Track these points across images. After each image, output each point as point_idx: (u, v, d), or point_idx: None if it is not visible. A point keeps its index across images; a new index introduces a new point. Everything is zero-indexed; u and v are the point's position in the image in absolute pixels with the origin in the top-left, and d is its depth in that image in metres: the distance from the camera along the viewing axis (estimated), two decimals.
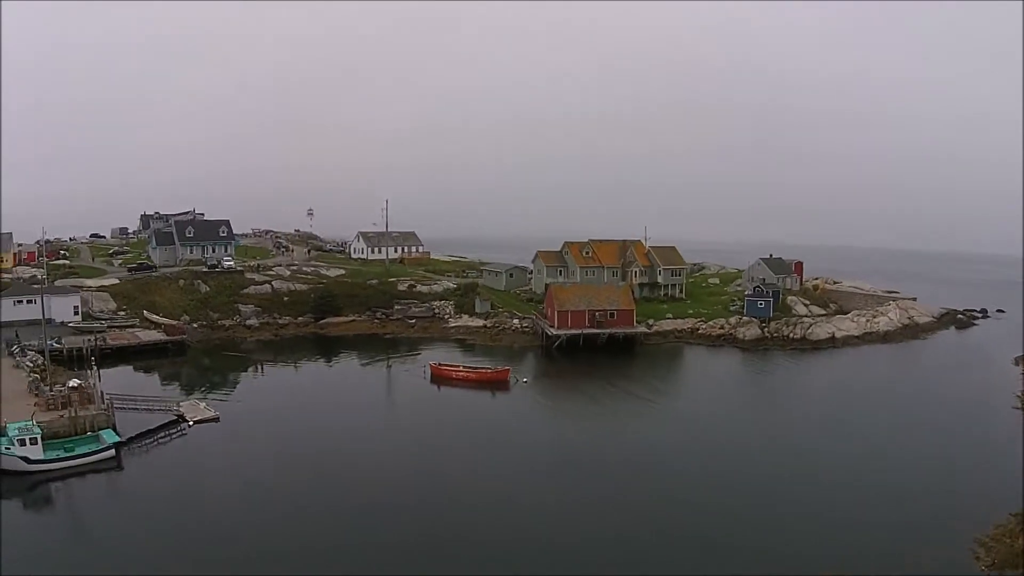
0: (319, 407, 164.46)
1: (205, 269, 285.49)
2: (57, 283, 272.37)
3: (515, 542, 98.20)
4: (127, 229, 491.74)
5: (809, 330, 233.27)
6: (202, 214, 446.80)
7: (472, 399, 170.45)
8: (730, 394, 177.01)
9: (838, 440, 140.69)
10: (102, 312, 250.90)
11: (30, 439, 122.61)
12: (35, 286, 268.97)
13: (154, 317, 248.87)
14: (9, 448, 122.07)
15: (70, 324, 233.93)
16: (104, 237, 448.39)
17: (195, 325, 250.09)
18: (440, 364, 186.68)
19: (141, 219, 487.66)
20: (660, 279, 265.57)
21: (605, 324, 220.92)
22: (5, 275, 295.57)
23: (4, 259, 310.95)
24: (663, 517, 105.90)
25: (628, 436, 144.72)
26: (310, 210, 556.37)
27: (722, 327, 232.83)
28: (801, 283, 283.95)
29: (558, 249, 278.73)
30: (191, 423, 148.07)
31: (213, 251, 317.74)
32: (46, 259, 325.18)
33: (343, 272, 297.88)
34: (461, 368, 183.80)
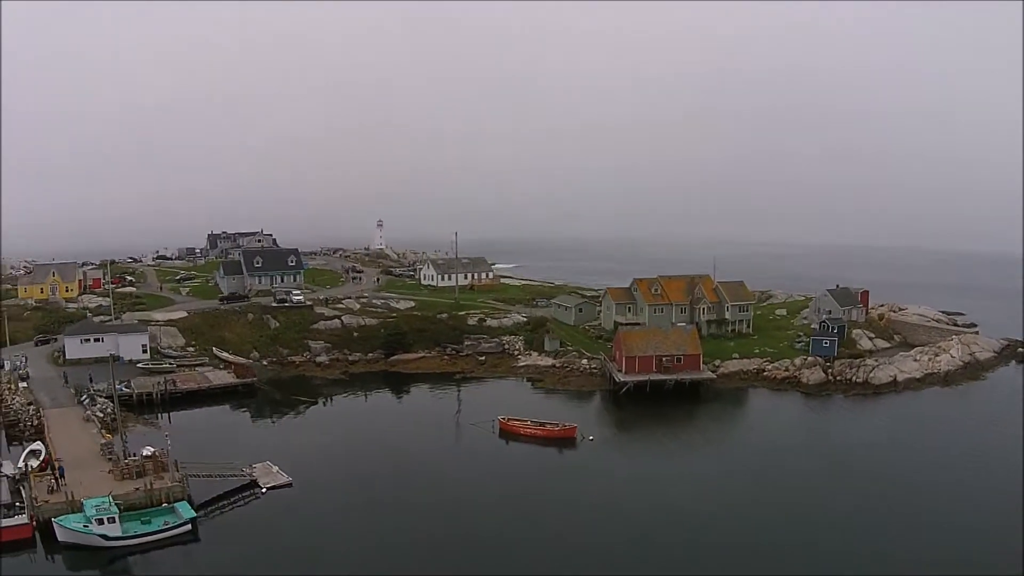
0: (390, 464, 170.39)
1: (274, 304, 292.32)
2: (124, 316, 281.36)
3: None
4: (194, 250, 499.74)
5: (871, 373, 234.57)
6: (270, 235, 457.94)
7: (539, 456, 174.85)
8: (789, 452, 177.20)
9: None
10: (170, 348, 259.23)
11: (108, 518, 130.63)
12: (103, 318, 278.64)
13: (224, 355, 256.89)
14: (87, 526, 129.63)
15: (139, 364, 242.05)
16: (170, 259, 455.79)
17: (264, 362, 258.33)
18: (509, 419, 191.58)
19: (208, 238, 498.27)
20: (728, 315, 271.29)
21: (672, 369, 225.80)
22: (70, 304, 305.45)
23: (69, 288, 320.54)
24: None
25: (692, 502, 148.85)
26: (380, 221, 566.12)
27: (787, 369, 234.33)
28: (866, 313, 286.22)
29: (627, 286, 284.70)
30: (264, 489, 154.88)
31: (282, 280, 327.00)
32: (112, 286, 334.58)
33: (413, 304, 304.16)
34: (529, 423, 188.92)
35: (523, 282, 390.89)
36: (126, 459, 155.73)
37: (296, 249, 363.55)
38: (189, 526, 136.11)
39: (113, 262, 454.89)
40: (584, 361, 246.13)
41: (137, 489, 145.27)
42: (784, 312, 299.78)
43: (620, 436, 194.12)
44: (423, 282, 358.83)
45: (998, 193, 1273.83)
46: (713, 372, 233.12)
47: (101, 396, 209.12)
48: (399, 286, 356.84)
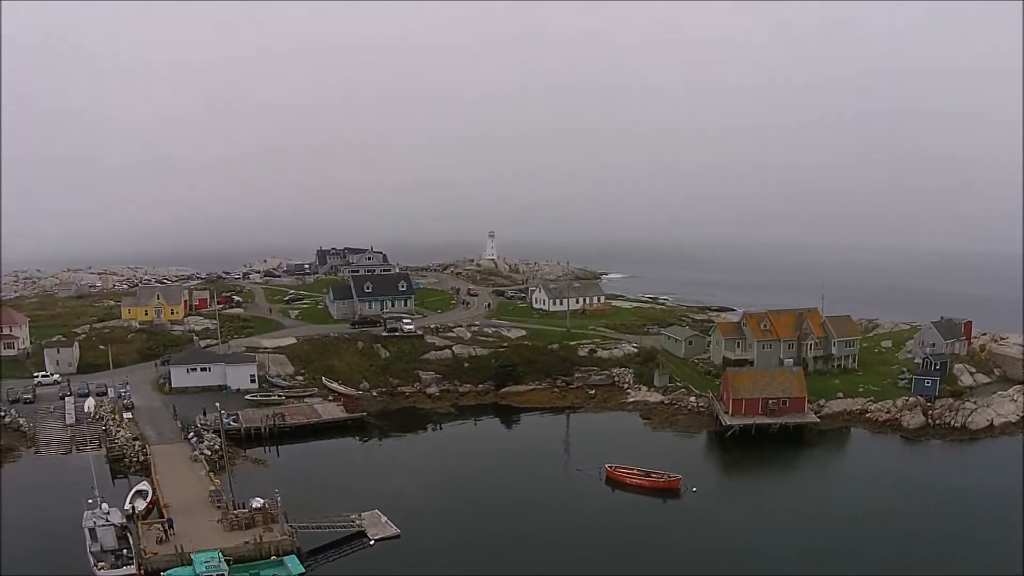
0: (496, 512, 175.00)
1: (385, 333, 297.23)
2: (232, 343, 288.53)
3: None
4: (302, 266, 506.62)
5: (969, 418, 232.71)
6: (381, 252, 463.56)
7: (643, 506, 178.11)
8: (885, 509, 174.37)
9: None
10: (279, 377, 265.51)
11: (218, 575, 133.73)
12: (209, 343, 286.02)
13: (333, 385, 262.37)
14: None
15: (247, 396, 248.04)
16: (279, 276, 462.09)
17: (374, 393, 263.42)
18: (616, 467, 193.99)
19: (317, 254, 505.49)
20: (834, 350, 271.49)
21: (777, 412, 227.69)
22: (176, 327, 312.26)
23: (175, 310, 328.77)
24: None
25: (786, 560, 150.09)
26: (491, 232, 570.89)
27: (888, 411, 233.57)
28: (968, 345, 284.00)
29: (737, 320, 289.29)
30: (372, 541, 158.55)
31: (392, 305, 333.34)
32: (219, 306, 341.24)
33: (524, 333, 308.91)
34: (635, 472, 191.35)
35: (634, 304, 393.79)
36: (235, 509, 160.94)
37: (407, 273, 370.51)
38: None
39: (220, 278, 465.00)
40: (692, 398, 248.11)
41: (247, 542, 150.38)
42: (889, 344, 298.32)
43: (723, 485, 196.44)
44: (535, 305, 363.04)
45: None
46: (817, 413, 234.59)
47: (208, 431, 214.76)
48: (510, 310, 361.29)
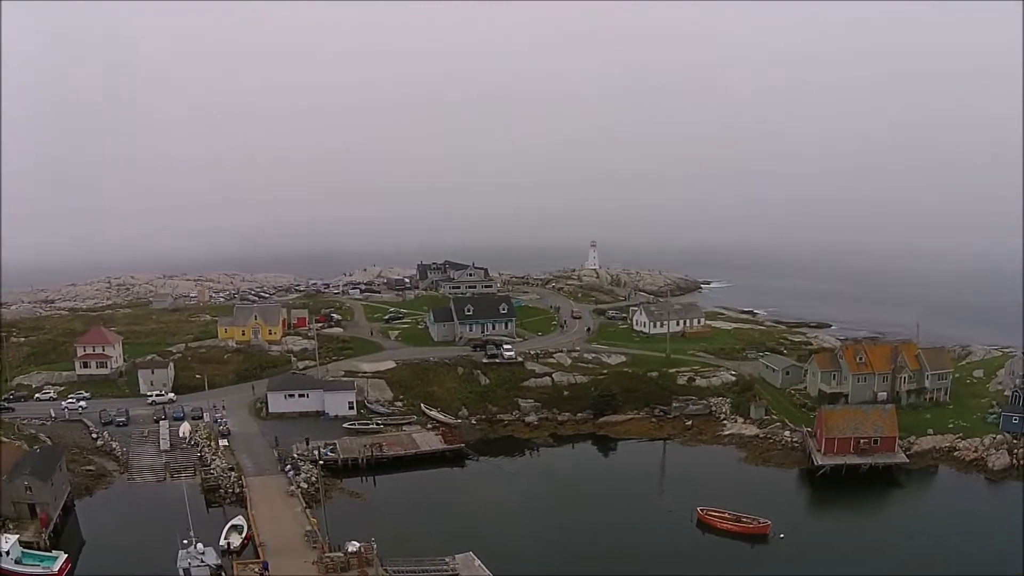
0: (588, 555, 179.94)
1: (485, 359, 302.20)
2: (330, 367, 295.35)
3: None
4: (403, 280, 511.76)
5: None
6: (482, 268, 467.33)
7: (732, 552, 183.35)
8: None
9: None
10: (378, 403, 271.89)
11: None
12: (307, 364, 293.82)
13: (432, 413, 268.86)
14: None
15: (345, 424, 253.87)
16: (378, 292, 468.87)
17: (473, 421, 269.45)
18: (707, 511, 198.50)
19: (418, 268, 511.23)
20: (927, 384, 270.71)
21: (868, 451, 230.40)
22: (274, 347, 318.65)
23: (272, 331, 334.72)
24: None
25: None
26: (593, 242, 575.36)
27: (975, 450, 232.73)
28: None
29: (834, 352, 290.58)
30: None
31: (493, 328, 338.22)
32: (317, 324, 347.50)
33: (624, 359, 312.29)
34: (727, 515, 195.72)
35: (733, 326, 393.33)
36: (331, 552, 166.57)
37: (508, 295, 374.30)
38: None
39: (318, 292, 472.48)
40: (787, 433, 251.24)
41: None
42: (981, 373, 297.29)
43: (810, 530, 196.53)
44: (635, 327, 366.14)
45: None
46: (907, 451, 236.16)
47: (305, 462, 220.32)
48: (611, 333, 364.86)
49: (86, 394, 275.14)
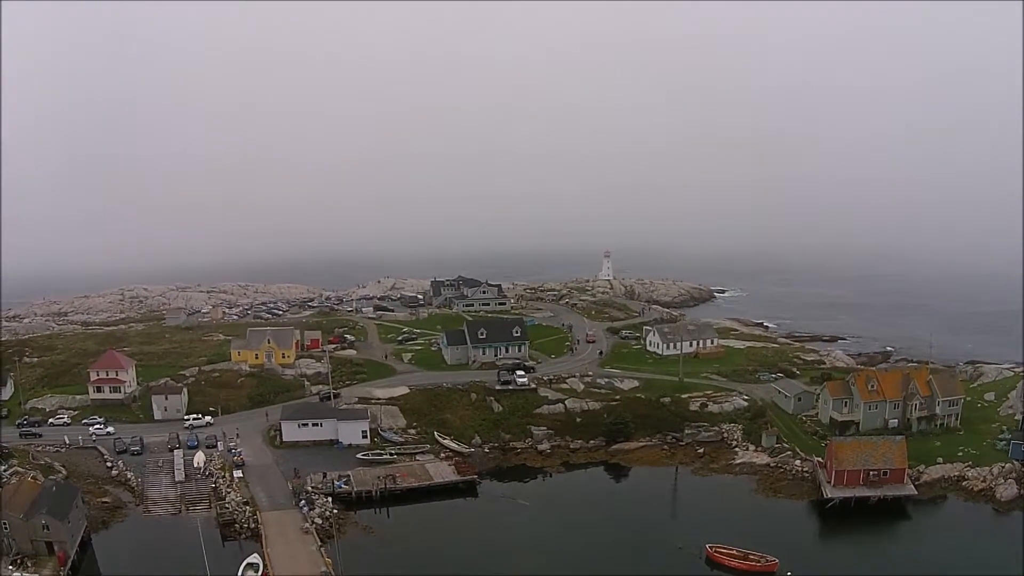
0: None
1: (498, 386, 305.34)
2: (343, 392, 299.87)
3: None
4: (416, 297, 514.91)
5: None
6: (496, 285, 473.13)
7: None
8: None
9: None
10: (391, 431, 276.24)
11: None
12: (321, 389, 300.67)
13: (445, 441, 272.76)
14: None
15: (359, 454, 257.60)
16: (392, 310, 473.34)
17: (486, 449, 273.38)
18: (716, 548, 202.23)
19: (432, 285, 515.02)
20: (938, 410, 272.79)
21: (877, 483, 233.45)
22: (287, 371, 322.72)
23: (285, 354, 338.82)
24: None
25: None
26: (607, 252, 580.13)
27: (984, 479, 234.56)
28: None
29: (846, 378, 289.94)
30: None
31: (506, 351, 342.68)
32: (331, 346, 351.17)
33: (637, 384, 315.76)
34: (735, 553, 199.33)
35: (747, 344, 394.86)
36: None
37: (520, 318, 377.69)
38: None
39: (332, 309, 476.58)
40: (797, 462, 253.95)
41: None
42: (992, 396, 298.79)
43: (818, 568, 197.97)
44: (648, 348, 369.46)
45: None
46: (916, 481, 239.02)
47: (319, 495, 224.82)
48: (624, 354, 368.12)
49: (100, 419, 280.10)
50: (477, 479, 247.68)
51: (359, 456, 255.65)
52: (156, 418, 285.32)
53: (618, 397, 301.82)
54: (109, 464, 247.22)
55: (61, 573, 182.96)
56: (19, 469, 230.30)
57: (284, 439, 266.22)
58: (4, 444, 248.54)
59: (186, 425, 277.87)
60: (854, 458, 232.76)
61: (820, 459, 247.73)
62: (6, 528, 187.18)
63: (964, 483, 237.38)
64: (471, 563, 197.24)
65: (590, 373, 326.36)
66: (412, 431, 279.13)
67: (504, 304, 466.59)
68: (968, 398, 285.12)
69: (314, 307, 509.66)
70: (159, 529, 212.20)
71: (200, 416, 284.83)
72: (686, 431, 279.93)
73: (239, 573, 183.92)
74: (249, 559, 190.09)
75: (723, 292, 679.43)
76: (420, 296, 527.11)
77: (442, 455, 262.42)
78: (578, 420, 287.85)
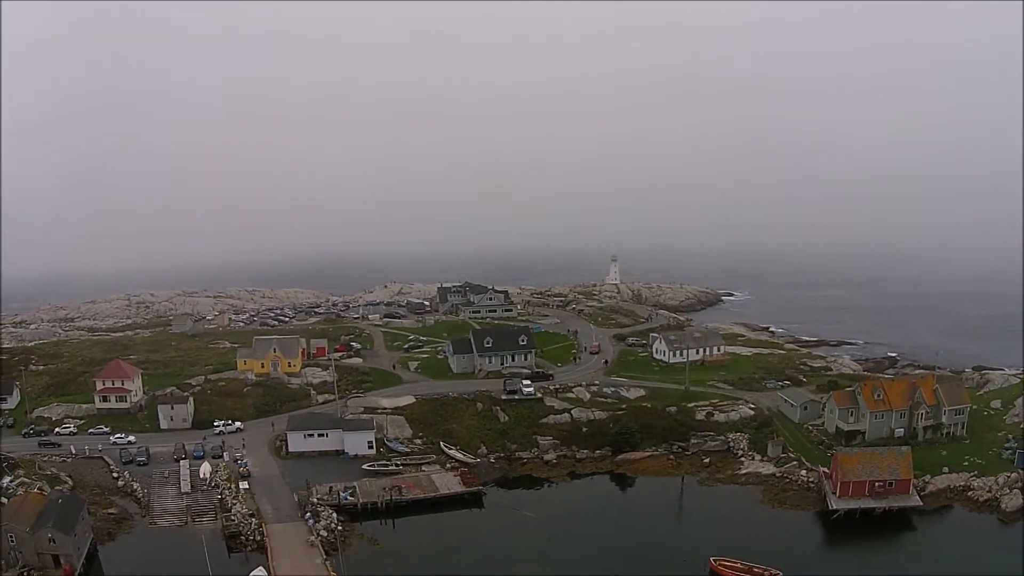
0: None
1: (504, 396, 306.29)
2: (350, 402, 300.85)
3: None
4: (424, 305, 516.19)
5: None
6: (503, 291, 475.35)
7: None
8: None
9: None
10: (397, 440, 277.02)
11: None
12: (327, 398, 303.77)
13: (451, 452, 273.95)
14: None
15: (364, 464, 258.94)
16: (399, 318, 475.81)
17: (492, 459, 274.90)
18: (719, 561, 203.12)
19: (438, 292, 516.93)
20: (944, 419, 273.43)
21: (883, 494, 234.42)
22: (294, 380, 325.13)
23: (292, 363, 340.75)
24: None
25: None
26: (614, 256, 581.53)
27: (989, 490, 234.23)
28: None
29: (851, 388, 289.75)
30: None
31: (512, 360, 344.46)
32: (337, 354, 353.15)
33: (643, 393, 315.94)
34: (739, 565, 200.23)
35: (753, 351, 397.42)
36: None
37: (527, 327, 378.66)
38: None
39: (338, 316, 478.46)
40: (803, 472, 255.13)
41: None
42: (999, 404, 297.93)
43: None
44: (655, 356, 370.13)
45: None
46: (921, 491, 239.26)
47: (325, 507, 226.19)
48: (630, 362, 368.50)
49: (106, 428, 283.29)
50: (483, 490, 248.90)
51: (365, 467, 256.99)
52: (162, 427, 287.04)
53: (624, 406, 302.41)
54: (115, 475, 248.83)
55: None
56: (25, 480, 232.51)
57: (290, 450, 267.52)
58: (10, 455, 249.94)
59: (216, 431, 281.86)
60: (859, 469, 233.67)
61: (826, 469, 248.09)
62: (12, 541, 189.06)
63: (970, 493, 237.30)
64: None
65: (596, 382, 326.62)
66: (418, 441, 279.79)
67: (511, 310, 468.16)
68: (974, 406, 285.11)
69: (320, 313, 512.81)
70: (165, 541, 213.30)
71: (231, 422, 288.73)
72: (692, 440, 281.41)
73: None
74: (254, 572, 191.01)
75: (731, 296, 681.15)
76: (427, 303, 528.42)
77: (448, 465, 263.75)
78: (584, 430, 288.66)
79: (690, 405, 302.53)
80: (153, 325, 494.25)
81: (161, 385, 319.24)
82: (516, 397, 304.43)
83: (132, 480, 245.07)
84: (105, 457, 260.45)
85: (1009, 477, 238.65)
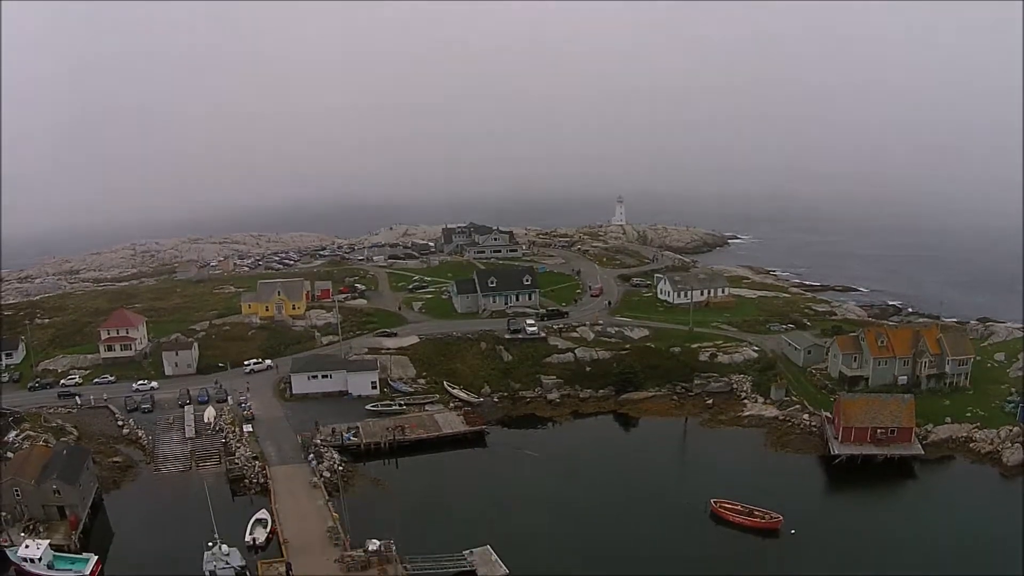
0: (601, 547, 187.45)
1: (508, 335, 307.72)
2: (354, 343, 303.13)
3: None
4: (428, 246, 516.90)
5: None
6: (508, 231, 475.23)
7: (742, 545, 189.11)
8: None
9: None
10: (401, 381, 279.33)
11: None
12: (331, 340, 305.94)
13: (455, 391, 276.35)
14: None
15: (368, 406, 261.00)
16: (403, 259, 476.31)
17: (495, 398, 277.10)
18: (720, 503, 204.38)
19: (443, 232, 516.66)
20: (948, 369, 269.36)
21: (884, 442, 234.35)
22: (298, 322, 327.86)
23: (296, 306, 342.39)
24: None
25: None
26: (620, 198, 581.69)
27: (991, 442, 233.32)
28: None
29: (855, 333, 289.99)
30: None
31: (516, 299, 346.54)
32: (341, 295, 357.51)
33: (647, 334, 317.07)
34: (739, 508, 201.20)
35: (758, 294, 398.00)
36: (352, 551, 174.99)
37: (531, 267, 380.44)
38: None
39: (343, 259, 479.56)
40: (806, 416, 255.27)
41: None
42: (1003, 357, 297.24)
43: (822, 525, 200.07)
44: (659, 296, 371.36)
45: None
46: (923, 440, 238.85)
47: (328, 448, 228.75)
48: (635, 302, 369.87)
49: (111, 377, 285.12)
50: (486, 430, 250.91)
51: (368, 407, 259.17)
52: (167, 374, 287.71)
53: (628, 346, 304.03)
54: (120, 423, 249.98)
55: (73, 537, 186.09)
56: (31, 433, 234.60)
57: (294, 392, 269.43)
58: (16, 409, 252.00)
59: (247, 370, 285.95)
60: (862, 415, 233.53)
61: (828, 414, 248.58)
62: (17, 495, 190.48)
63: (971, 445, 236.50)
64: (478, 516, 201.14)
65: (600, 322, 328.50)
66: (422, 381, 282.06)
67: (515, 251, 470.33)
68: (978, 358, 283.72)
69: (325, 256, 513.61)
70: (170, 488, 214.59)
71: (260, 360, 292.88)
72: (695, 382, 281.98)
73: (248, 530, 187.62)
74: (257, 515, 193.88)
75: (737, 239, 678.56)
76: (431, 244, 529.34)
77: (451, 405, 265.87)
78: (588, 369, 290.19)
79: (694, 346, 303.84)
80: (158, 273, 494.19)
81: (166, 332, 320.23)
82: (520, 336, 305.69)
83: (137, 428, 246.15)
84: (110, 406, 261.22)
85: (1011, 431, 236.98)
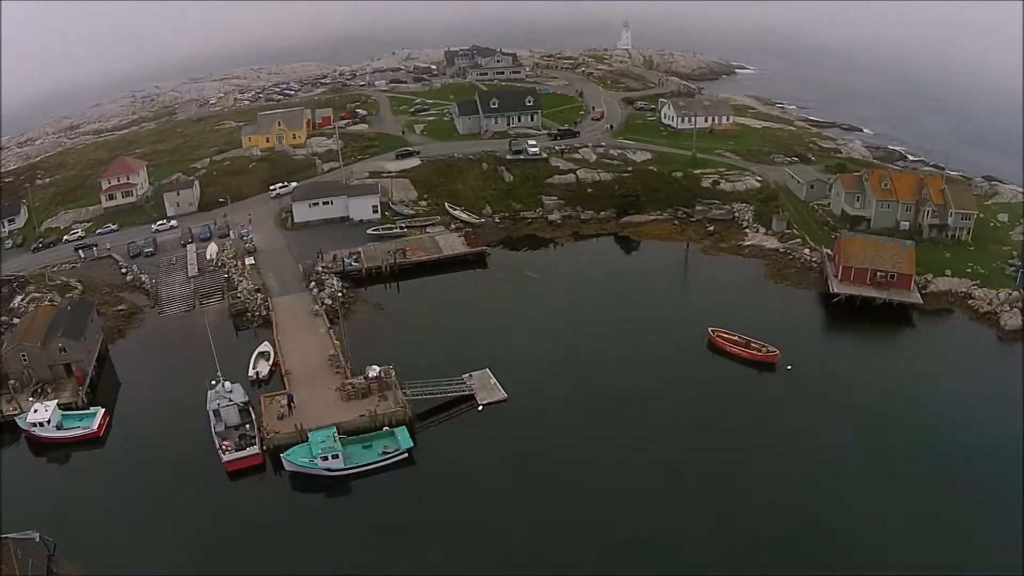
0: (599, 376, 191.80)
1: (509, 156, 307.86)
2: (355, 167, 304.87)
3: None
4: (431, 69, 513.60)
5: None
6: (511, 54, 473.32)
7: (738, 378, 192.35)
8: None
9: None
10: (402, 203, 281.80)
11: (332, 455, 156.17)
12: (332, 166, 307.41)
13: (456, 212, 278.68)
14: (313, 460, 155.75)
15: (369, 229, 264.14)
16: (405, 82, 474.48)
17: (496, 219, 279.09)
18: (718, 333, 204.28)
19: (446, 55, 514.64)
20: (950, 221, 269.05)
21: (884, 285, 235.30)
22: (299, 151, 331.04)
23: (296, 135, 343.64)
24: None
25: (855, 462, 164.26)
26: (626, 23, 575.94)
27: (990, 303, 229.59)
28: None
29: (859, 173, 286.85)
30: (481, 407, 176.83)
31: (519, 120, 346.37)
32: (343, 121, 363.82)
33: (649, 157, 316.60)
34: (737, 339, 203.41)
35: (763, 125, 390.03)
36: (352, 378, 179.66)
37: (534, 87, 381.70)
38: (407, 455, 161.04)
39: (344, 86, 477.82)
40: (806, 251, 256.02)
41: (362, 415, 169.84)
42: (1006, 218, 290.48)
43: (819, 361, 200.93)
44: (663, 120, 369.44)
45: None
46: (923, 289, 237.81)
47: (329, 275, 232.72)
48: (638, 126, 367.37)
49: (114, 226, 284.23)
50: (487, 251, 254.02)
51: (370, 231, 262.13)
52: (168, 215, 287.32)
53: (630, 169, 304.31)
54: (124, 270, 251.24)
55: (80, 392, 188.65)
56: (36, 295, 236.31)
57: (296, 220, 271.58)
58: (20, 273, 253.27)
59: (273, 195, 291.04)
60: (862, 256, 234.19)
61: (829, 251, 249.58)
62: (24, 360, 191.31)
63: (970, 302, 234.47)
64: (477, 338, 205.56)
65: (603, 144, 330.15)
66: (423, 203, 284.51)
67: (519, 73, 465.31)
68: (981, 215, 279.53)
69: (327, 84, 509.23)
70: (174, 329, 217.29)
71: (286, 184, 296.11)
72: (697, 207, 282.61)
73: (251, 362, 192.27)
74: (260, 348, 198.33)
75: (744, 68, 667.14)
76: (434, 68, 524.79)
77: (452, 227, 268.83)
78: (589, 191, 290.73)
79: (696, 172, 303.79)
80: (158, 116, 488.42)
81: (167, 174, 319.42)
82: (521, 157, 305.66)
83: (140, 273, 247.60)
84: (113, 255, 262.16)
85: (1011, 295, 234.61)
